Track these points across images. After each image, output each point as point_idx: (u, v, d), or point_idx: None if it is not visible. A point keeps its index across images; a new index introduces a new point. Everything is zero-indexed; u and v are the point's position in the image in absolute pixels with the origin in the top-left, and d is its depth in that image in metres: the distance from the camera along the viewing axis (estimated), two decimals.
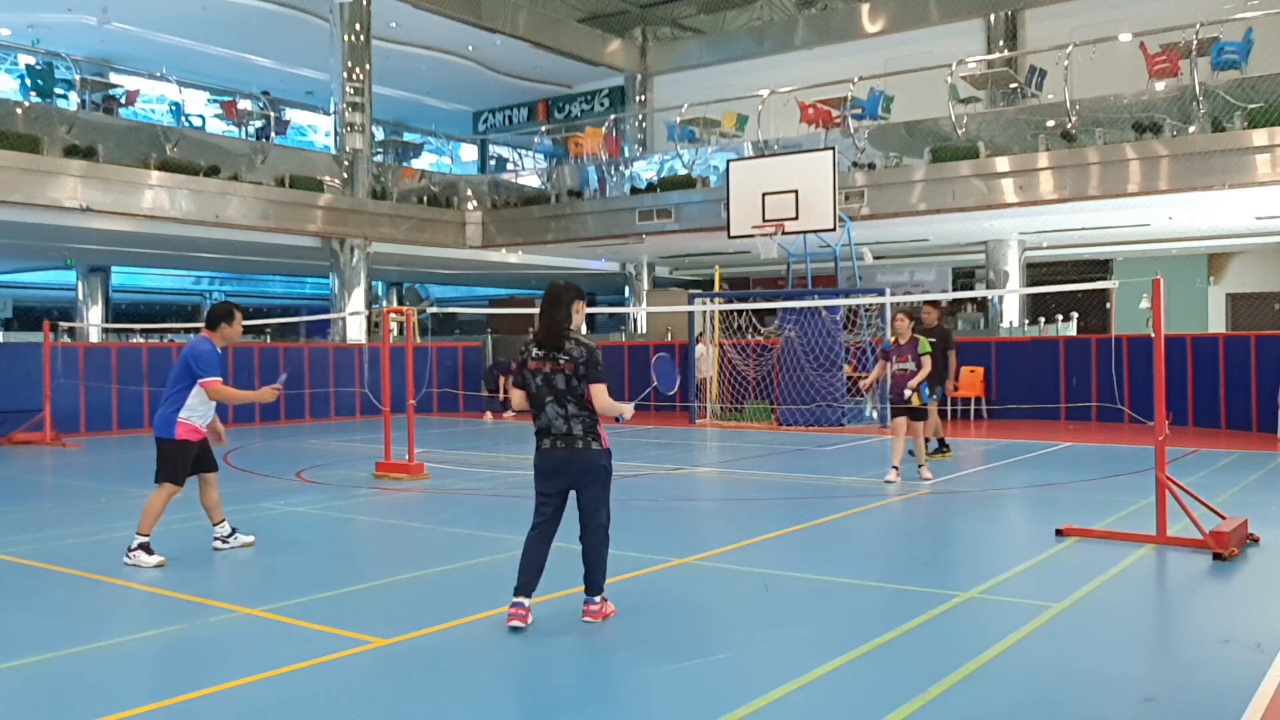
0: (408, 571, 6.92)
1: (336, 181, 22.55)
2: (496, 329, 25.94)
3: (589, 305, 5.71)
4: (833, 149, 18.14)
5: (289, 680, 4.61)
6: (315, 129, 31.26)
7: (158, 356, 18.89)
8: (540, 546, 5.41)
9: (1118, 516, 8.38)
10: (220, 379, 7.17)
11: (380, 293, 33.30)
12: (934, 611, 5.58)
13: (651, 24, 31.57)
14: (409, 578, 6.74)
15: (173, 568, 6.93)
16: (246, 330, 9.30)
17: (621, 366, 21.61)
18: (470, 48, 27.78)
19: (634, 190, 23.23)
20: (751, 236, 18.26)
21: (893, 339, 10.86)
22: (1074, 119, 17.82)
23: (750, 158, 20.22)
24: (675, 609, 5.86)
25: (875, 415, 17.43)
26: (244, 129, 22.94)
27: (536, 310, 5.48)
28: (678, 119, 23.21)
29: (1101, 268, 27.93)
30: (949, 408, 18.29)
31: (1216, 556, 6.77)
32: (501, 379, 20.67)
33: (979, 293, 25.42)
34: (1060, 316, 21.59)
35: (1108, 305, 26.64)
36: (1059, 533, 7.63)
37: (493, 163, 32.97)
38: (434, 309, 22.06)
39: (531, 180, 26.63)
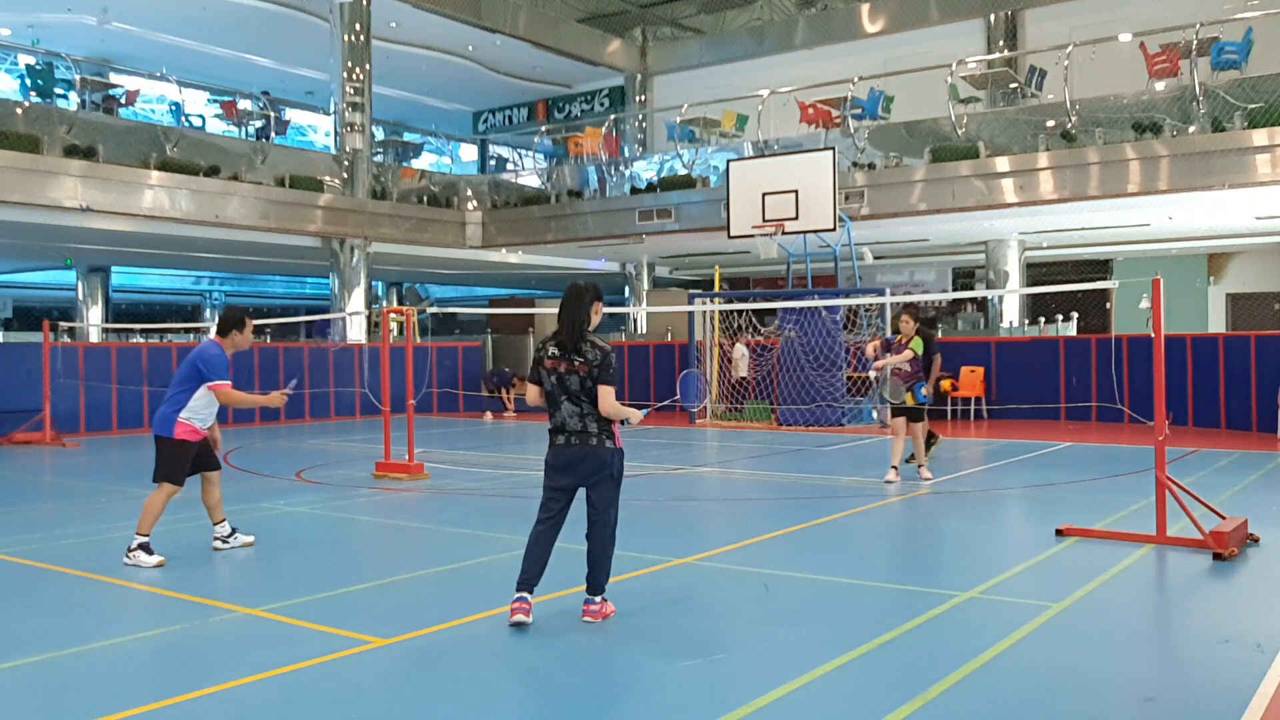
0: (408, 571, 6.92)
1: (336, 181, 22.55)
2: (496, 329, 25.93)
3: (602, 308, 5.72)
4: (833, 149, 18.14)
5: (289, 680, 4.61)
6: (315, 129, 31.25)
7: (158, 356, 18.89)
8: (545, 542, 5.43)
9: (1118, 516, 8.38)
10: (230, 383, 7.18)
11: (380, 293, 33.30)
12: (934, 611, 5.58)
13: (651, 24, 31.57)
14: (409, 578, 6.74)
15: (173, 567, 6.93)
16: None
17: (621, 367, 21.61)
18: (470, 48, 27.78)
19: (634, 190, 23.23)
20: (751, 236, 18.26)
21: (898, 338, 10.92)
22: (1074, 119, 17.81)
23: (750, 158, 20.21)
24: (675, 609, 5.86)
25: (876, 416, 17.44)
26: (244, 129, 22.93)
27: (547, 310, 5.48)
28: (678, 119, 23.20)
29: (1101, 268, 27.92)
30: (949, 408, 18.30)
31: (1216, 556, 6.77)
32: (516, 381, 20.83)
33: (979, 293, 25.43)
34: (1060, 316, 21.59)
35: (1108, 305, 26.65)
36: (1059, 533, 7.63)
37: (493, 163, 32.97)
38: (434, 309, 22.06)
39: (531, 180, 26.63)
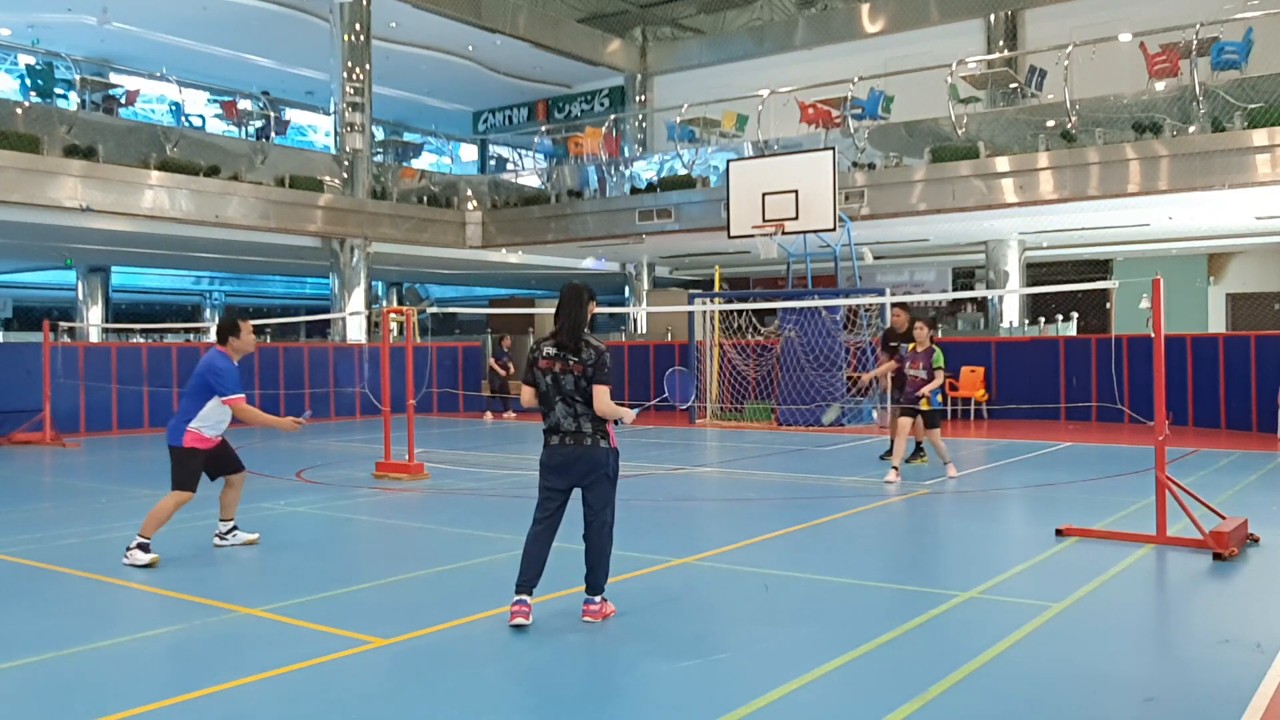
0: (408, 571, 6.92)
1: (336, 181, 22.55)
2: (496, 329, 25.94)
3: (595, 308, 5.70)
4: (833, 149, 18.14)
5: (289, 680, 4.61)
6: (315, 129, 31.26)
7: (158, 356, 18.89)
8: (542, 544, 5.43)
9: (1118, 516, 8.38)
10: (243, 395, 7.12)
11: (380, 293, 33.30)
12: (934, 611, 5.58)
13: (651, 24, 31.57)
14: (409, 578, 6.74)
15: (173, 567, 6.93)
16: None
17: (621, 367, 21.61)
18: (470, 48, 27.78)
19: (634, 190, 23.23)
20: (751, 236, 18.26)
21: (910, 345, 10.92)
22: (1074, 119, 17.81)
23: (750, 158, 20.21)
24: (675, 609, 5.86)
25: (876, 416, 17.44)
26: (244, 129, 22.93)
27: (547, 310, 5.47)
28: (678, 119, 23.20)
29: (1101, 268, 27.93)
30: (949, 408, 18.29)
31: (1216, 556, 6.77)
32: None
33: (979, 293, 25.43)
34: (1060, 316, 21.60)
35: (1108, 305, 26.65)
36: (1059, 533, 7.63)
37: (493, 163, 32.97)
38: (434, 309, 22.04)
39: (531, 180, 26.62)
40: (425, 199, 24.55)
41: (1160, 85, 17.34)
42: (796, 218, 17.65)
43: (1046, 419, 18.03)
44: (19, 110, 18.01)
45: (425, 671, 4.73)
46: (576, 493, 5.52)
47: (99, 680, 4.72)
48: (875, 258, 22.16)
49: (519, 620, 5.26)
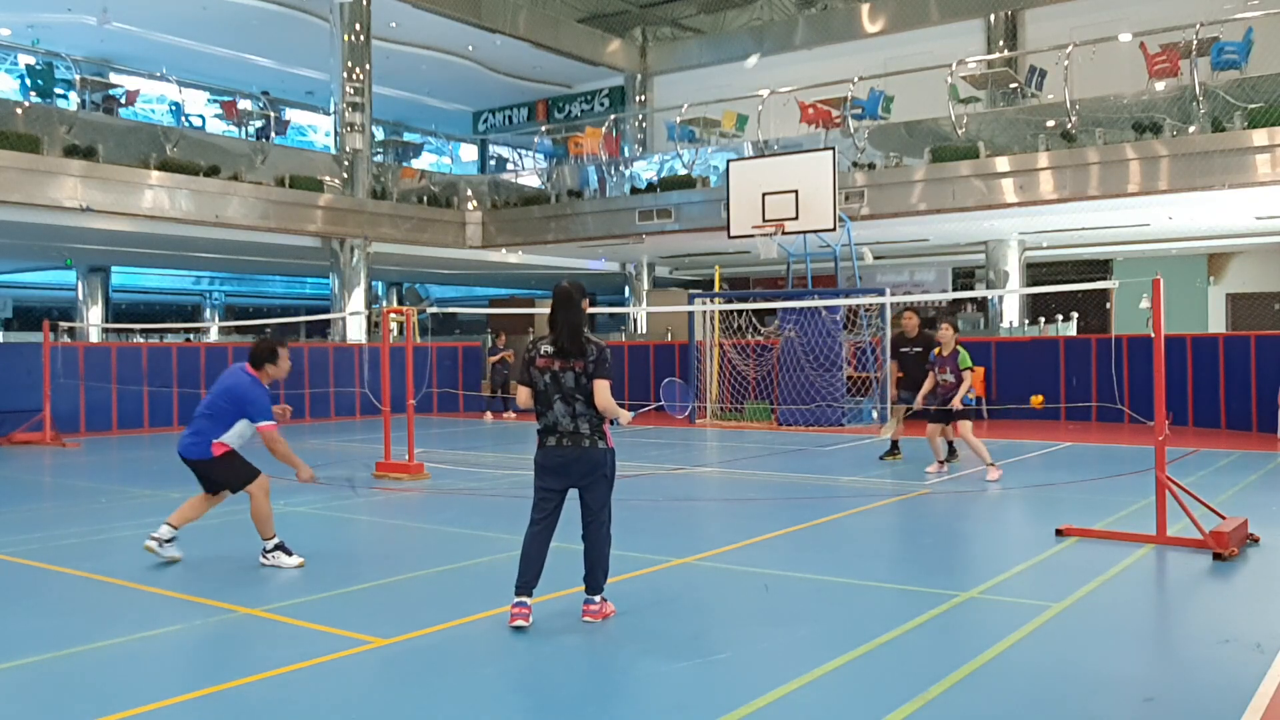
0: (408, 571, 6.92)
1: (336, 181, 22.55)
2: (496, 329, 25.92)
3: (590, 305, 5.69)
4: (833, 149, 18.13)
5: (289, 680, 4.61)
6: (315, 129, 31.25)
7: (158, 356, 18.88)
8: (541, 544, 5.42)
9: (1118, 516, 8.38)
10: (276, 424, 6.90)
11: (380, 293, 33.30)
12: (934, 611, 5.58)
13: (651, 24, 31.56)
14: (409, 578, 6.74)
15: (174, 567, 6.93)
16: (246, 330, 9.19)
17: (621, 367, 21.60)
18: (470, 48, 27.77)
19: (634, 190, 23.23)
20: (751, 236, 18.25)
21: (936, 350, 10.88)
22: (1074, 119, 17.81)
23: (750, 158, 20.21)
24: (675, 609, 5.86)
25: (876, 416, 17.43)
26: (244, 129, 22.93)
27: (547, 311, 5.44)
28: (678, 119, 23.20)
29: (1101, 268, 27.93)
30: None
31: (1216, 556, 6.77)
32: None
33: (979, 293, 25.42)
34: (1060, 316, 21.59)
35: (1108, 305, 26.64)
36: (1059, 533, 7.63)
37: (493, 163, 32.97)
38: (434, 309, 22.05)
39: (531, 180, 26.62)
40: (425, 199, 24.55)
41: (1160, 85, 17.34)
42: (796, 218, 17.65)
43: (1046, 419, 18.02)
44: (19, 110, 18.01)
45: (425, 672, 4.73)
46: (574, 492, 5.51)
47: (99, 680, 4.72)
48: (875, 258, 22.15)
49: (519, 622, 5.25)
